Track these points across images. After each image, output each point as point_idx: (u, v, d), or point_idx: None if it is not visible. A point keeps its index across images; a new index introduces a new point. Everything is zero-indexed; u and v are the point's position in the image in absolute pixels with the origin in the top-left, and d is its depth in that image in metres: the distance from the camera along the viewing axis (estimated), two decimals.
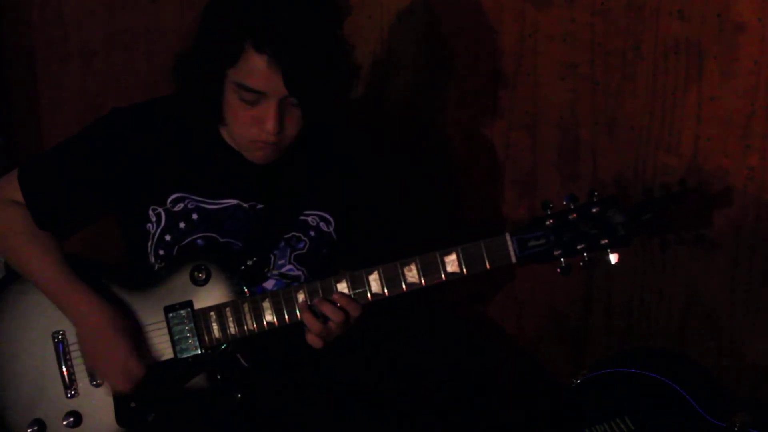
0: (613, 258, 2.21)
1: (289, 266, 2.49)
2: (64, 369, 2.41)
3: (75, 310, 2.36)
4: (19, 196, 2.41)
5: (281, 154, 2.39)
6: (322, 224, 2.52)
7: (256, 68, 2.20)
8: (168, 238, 2.43)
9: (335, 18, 2.30)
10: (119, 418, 2.39)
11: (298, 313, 2.31)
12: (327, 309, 2.28)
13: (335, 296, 2.28)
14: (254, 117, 2.29)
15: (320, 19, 2.24)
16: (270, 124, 2.27)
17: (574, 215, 2.20)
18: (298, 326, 2.35)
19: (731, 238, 2.77)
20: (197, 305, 2.37)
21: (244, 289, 2.37)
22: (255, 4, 2.19)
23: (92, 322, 2.34)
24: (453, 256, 2.25)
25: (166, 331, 2.38)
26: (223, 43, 2.22)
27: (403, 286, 2.27)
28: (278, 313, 2.32)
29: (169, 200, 2.42)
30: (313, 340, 2.31)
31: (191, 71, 2.31)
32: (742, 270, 2.79)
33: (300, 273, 2.50)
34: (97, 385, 2.40)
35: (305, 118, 2.31)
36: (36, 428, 2.39)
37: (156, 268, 2.44)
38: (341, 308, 2.28)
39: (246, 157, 2.40)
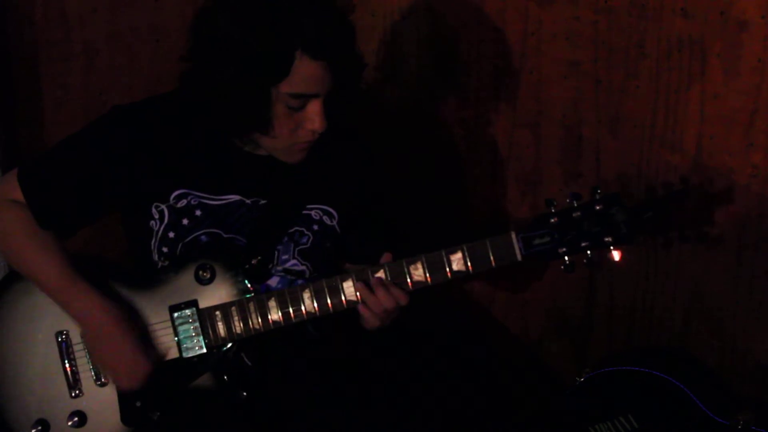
0: (616, 255, 2.23)
1: (293, 261, 2.49)
2: (68, 368, 2.41)
3: (78, 309, 2.36)
4: (19, 196, 2.40)
5: None
6: (325, 218, 2.52)
7: (311, 75, 2.20)
8: (172, 235, 2.42)
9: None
10: (124, 417, 2.39)
11: (303, 311, 2.32)
12: (380, 292, 2.28)
13: (387, 283, 2.29)
14: (298, 121, 2.29)
15: (343, 14, 2.25)
16: (319, 124, 2.28)
17: (578, 213, 2.22)
18: (303, 325, 2.36)
19: (734, 235, 2.77)
20: (202, 304, 2.37)
21: (248, 288, 2.37)
22: (296, 13, 2.17)
23: (96, 321, 2.34)
24: (459, 255, 2.26)
25: (171, 330, 2.38)
26: (275, 59, 2.18)
27: (409, 283, 2.29)
28: (284, 312, 2.33)
29: (172, 197, 2.41)
30: (371, 319, 2.33)
31: (236, 91, 2.24)
32: (745, 268, 2.80)
33: (304, 268, 2.50)
34: (102, 385, 2.40)
35: (344, 115, 2.33)
36: (40, 428, 2.39)
37: (160, 266, 2.44)
38: (392, 295, 2.28)
39: (281, 159, 2.40)
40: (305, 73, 2.20)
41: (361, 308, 2.31)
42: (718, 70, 2.69)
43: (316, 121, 2.28)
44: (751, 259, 2.78)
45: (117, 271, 2.45)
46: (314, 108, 2.27)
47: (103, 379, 2.40)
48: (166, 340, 2.38)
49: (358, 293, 2.30)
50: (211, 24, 2.23)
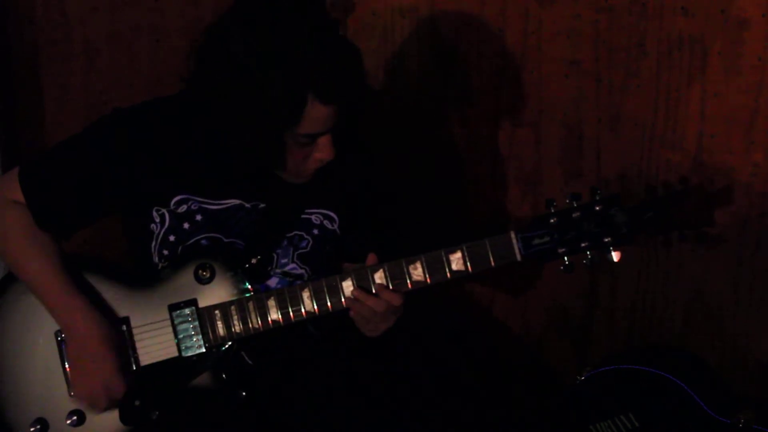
0: (616, 256, 2.24)
1: (292, 265, 2.49)
2: (67, 367, 2.40)
3: (66, 317, 2.36)
4: (19, 196, 2.40)
5: None
6: (326, 222, 2.51)
7: (321, 118, 2.22)
8: (172, 238, 2.42)
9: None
10: (123, 416, 2.38)
11: (303, 311, 2.32)
12: (371, 302, 2.29)
13: (376, 286, 2.30)
14: (307, 153, 2.32)
15: (352, 49, 2.26)
16: (329, 154, 2.31)
17: (578, 213, 2.23)
18: (302, 325, 2.36)
19: (735, 234, 2.77)
20: (201, 303, 2.37)
21: (248, 287, 2.37)
22: (307, 59, 2.16)
23: (82, 333, 2.34)
24: (458, 254, 2.26)
25: (170, 329, 2.38)
26: (286, 105, 2.19)
27: (408, 283, 2.29)
28: (283, 311, 2.33)
29: (173, 202, 2.41)
30: (367, 328, 2.35)
31: (248, 133, 2.26)
32: (746, 266, 2.80)
33: (303, 271, 2.50)
34: None
35: (342, 133, 2.34)
36: (39, 427, 2.39)
37: (160, 267, 2.44)
38: (382, 299, 2.29)
39: (287, 179, 2.41)
40: (316, 116, 2.21)
41: (352, 314, 2.33)
42: (719, 68, 2.69)
43: (325, 152, 2.31)
44: (752, 258, 2.78)
45: (116, 270, 2.45)
46: (323, 141, 2.29)
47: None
48: (165, 339, 2.38)
49: (345, 304, 2.31)
50: (226, 57, 2.22)
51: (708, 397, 2.66)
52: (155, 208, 2.42)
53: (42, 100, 3.22)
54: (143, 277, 2.41)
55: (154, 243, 2.44)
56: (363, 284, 2.30)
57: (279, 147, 2.28)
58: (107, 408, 2.37)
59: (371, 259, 2.32)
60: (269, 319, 2.34)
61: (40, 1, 3.13)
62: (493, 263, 2.26)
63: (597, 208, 2.22)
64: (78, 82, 3.23)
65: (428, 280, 2.28)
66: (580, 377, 2.83)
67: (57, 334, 2.40)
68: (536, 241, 2.25)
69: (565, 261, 2.25)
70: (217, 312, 2.36)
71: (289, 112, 2.19)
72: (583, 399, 2.80)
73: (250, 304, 2.34)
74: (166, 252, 2.43)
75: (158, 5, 3.17)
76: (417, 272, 2.28)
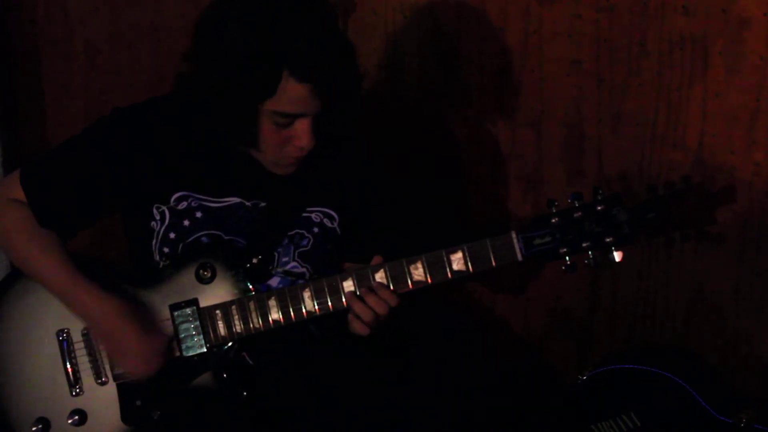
0: (618, 256, 2.24)
1: (294, 263, 2.49)
2: (68, 367, 2.41)
3: (80, 306, 2.37)
4: (21, 196, 2.41)
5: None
6: (326, 220, 2.52)
7: (297, 96, 2.21)
8: (172, 236, 2.43)
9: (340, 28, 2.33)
10: (124, 416, 2.39)
11: (304, 311, 2.32)
12: (369, 299, 2.29)
13: (375, 286, 2.30)
14: (286, 137, 2.30)
15: (339, 34, 2.27)
16: (306, 142, 2.28)
17: (579, 213, 2.23)
18: (303, 324, 2.36)
19: (737, 233, 2.77)
20: (203, 303, 2.37)
21: (249, 287, 2.37)
22: (288, 33, 2.17)
23: (99, 315, 2.34)
24: (459, 254, 2.26)
25: (171, 329, 2.38)
26: (262, 77, 2.19)
27: (409, 283, 2.29)
28: (284, 311, 2.33)
29: (173, 199, 2.42)
30: (361, 328, 2.34)
31: (225, 108, 2.27)
32: (747, 266, 2.79)
33: (305, 270, 2.50)
34: (103, 383, 2.41)
35: (328, 128, 2.32)
36: (40, 426, 2.40)
37: (161, 266, 2.44)
38: (381, 298, 2.29)
39: (269, 169, 2.40)
40: (291, 94, 2.20)
41: (350, 316, 2.33)
42: (720, 68, 2.68)
43: (303, 138, 2.28)
44: (753, 257, 2.78)
45: (117, 270, 2.45)
46: (302, 126, 2.27)
47: (103, 378, 2.41)
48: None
49: (345, 302, 2.31)
50: (212, 31, 2.24)
51: (709, 396, 2.66)
52: (155, 205, 2.42)
53: (43, 99, 3.23)
54: (144, 277, 2.42)
55: (154, 241, 2.44)
56: (364, 284, 2.31)
57: (252, 120, 2.26)
58: (163, 366, 2.36)
59: (376, 261, 2.32)
60: (270, 318, 2.34)
61: (41, 1, 3.14)
62: (494, 263, 2.26)
63: (599, 208, 2.22)
64: (79, 81, 3.23)
65: (429, 280, 2.28)
66: (581, 377, 2.83)
67: (58, 333, 2.41)
68: (537, 241, 2.24)
69: (567, 261, 2.25)
70: (218, 312, 2.36)
71: (263, 84, 2.19)
72: (584, 399, 2.81)
73: (251, 304, 2.35)
74: (166, 250, 2.43)
75: (159, 5, 3.18)
76: (418, 272, 2.28)
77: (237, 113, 2.26)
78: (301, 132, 2.28)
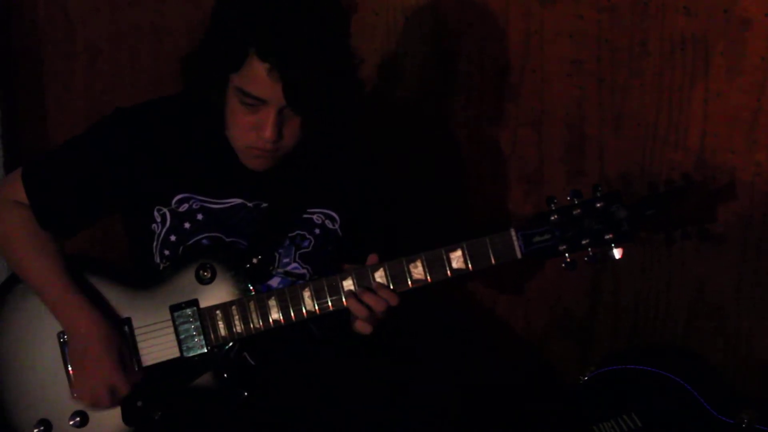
0: (617, 253, 2.23)
1: (294, 264, 2.49)
2: (70, 369, 2.40)
3: (68, 317, 2.36)
4: (22, 196, 2.41)
5: (278, 161, 2.38)
6: (327, 222, 2.52)
7: (257, 76, 2.20)
8: (173, 238, 2.43)
9: (343, 31, 2.30)
10: (126, 417, 2.39)
11: (304, 310, 2.32)
12: (368, 298, 2.29)
13: (375, 286, 2.29)
14: (253, 123, 2.28)
15: (327, 31, 2.22)
16: (268, 132, 2.27)
17: (579, 210, 2.23)
18: (304, 324, 2.36)
19: (738, 234, 2.77)
20: (203, 304, 2.37)
21: (249, 288, 2.37)
22: (262, 11, 2.18)
23: (83, 333, 2.34)
24: (458, 252, 2.26)
25: (171, 330, 2.38)
26: (228, 48, 2.21)
27: (409, 282, 2.28)
28: (284, 311, 2.33)
29: (174, 201, 2.42)
30: (362, 326, 2.34)
31: (196, 73, 2.32)
32: (749, 266, 2.79)
33: (305, 271, 2.50)
34: None
35: (305, 128, 2.31)
36: (42, 428, 2.39)
37: (161, 267, 2.44)
38: (381, 297, 2.28)
39: (242, 162, 2.40)
40: (253, 72, 2.20)
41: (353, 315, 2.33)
42: (722, 68, 2.68)
43: (266, 130, 2.27)
44: (755, 257, 2.78)
45: (118, 271, 2.45)
46: (266, 115, 2.26)
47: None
48: (166, 339, 2.38)
49: (345, 299, 2.31)
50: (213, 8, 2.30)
51: (711, 396, 2.66)
52: (156, 207, 2.42)
53: (44, 99, 3.23)
54: (144, 278, 2.42)
55: (155, 243, 2.44)
56: (363, 283, 2.30)
57: (221, 91, 2.28)
58: (110, 407, 2.37)
59: (372, 259, 2.32)
60: (270, 318, 2.34)
61: (42, 2, 3.14)
62: (493, 261, 2.26)
63: (598, 205, 2.22)
64: (79, 82, 3.24)
65: (429, 279, 2.28)
66: (582, 377, 2.83)
67: (60, 335, 2.41)
68: (537, 239, 2.24)
69: (567, 258, 2.25)
70: (218, 312, 2.36)
71: (231, 56, 2.21)
72: (585, 399, 2.81)
73: (251, 304, 2.34)
74: (167, 252, 2.43)
75: (160, 6, 3.18)
76: (417, 271, 2.28)
77: (206, 82, 2.29)
78: (264, 120, 2.26)
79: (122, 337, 2.38)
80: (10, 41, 3.13)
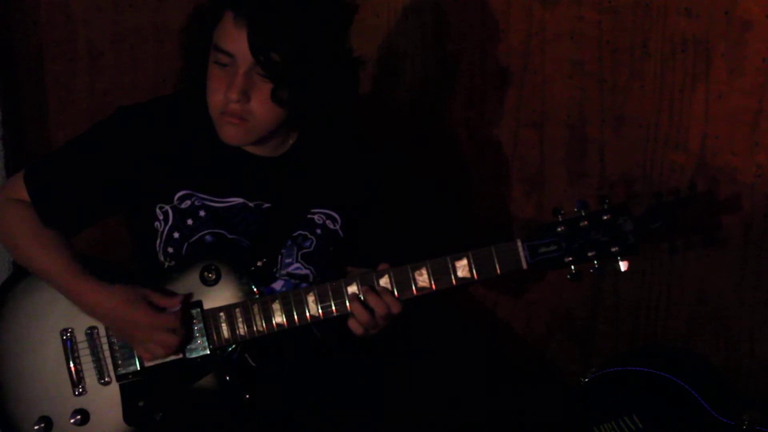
0: (623, 266, 2.22)
1: (297, 265, 2.49)
2: (71, 366, 2.41)
3: (88, 304, 2.37)
4: (25, 196, 2.42)
5: (253, 138, 2.36)
6: (328, 222, 2.52)
7: (227, 28, 2.23)
8: (176, 235, 2.43)
9: (327, 9, 2.28)
10: (127, 416, 2.39)
11: (307, 314, 2.32)
12: (371, 299, 2.28)
13: (380, 289, 2.29)
14: (223, 84, 2.27)
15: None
16: (234, 92, 2.25)
17: (585, 222, 2.21)
18: (307, 328, 2.36)
19: (739, 236, 2.77)
20: (207, 305, 2.37)
21: (253, 290, 2.37)
22: None
23: (109, 308, 2.34)
24: (464, 261, 2.25)
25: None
26: (208, 6, 2.28)
27: (414, 289, 2.28)
28: (288, 315, 2.33)
29: (176, 197, 2.42)
30: (355, 327, 2.32)
31: (186, 38, 2.37)
32: (750, 268, 2.79)
33: (308, 272, 2.50)
34: (105, 384, 2.41)
35: (276, 99, 2.28)
36: (43, 425, 2.40)
37: (166, 266, 2.44)
38: (383, 301, 2.28)
39: (219, 136, 2.36)
40: (225, 25, 2.24)
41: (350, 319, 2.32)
42: (723, 69, 2.68)
43: (231, 89, 2.25)
44: (756, 259, 2.78)
45: (122, 272, 2.45)
46: (233, 72, 2.25)
47: (106, 378, 2.41)
48: None
49: (348, 300, 2.30)
50: None
51: (712, 398, 2.66)
52: (158, 205, 2.42)
53: (46, 100, 3.23)
54: (149, 279, 2.41)
55: (158, 241, 2.44)
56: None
57: (202, 54, 2.31)
58: (182, 344, 2.36)
59: (383, 267, 2.31)
60: (274, 322, 2.34)
61: (44, 2, 3.14)
62: (498, 271, 2.25)
63: (605, 217, 2.20)
64: (82, 82, 3.23)
65: (433, 287, 2.27)
66: (584, 378, 2.83)
67: (62, 333, 2.41)
68: (543, 250, 2.23)
69: (572, 270, 2.24)
70: (221, 314, 2.36)
71: (209, 13, 2.28)
72: (587, 400, 2.81)
73: (255, 307, 2.35)
74: (170, 250, 2.43)
75: (161, 6, 3.18)
76: (422, 278, 2.27)
77: (191, 43, 2.35)
78: (231, 79, 2.25)
79: (141, 290, 2.36)
80: (12, 42, 3.13)
